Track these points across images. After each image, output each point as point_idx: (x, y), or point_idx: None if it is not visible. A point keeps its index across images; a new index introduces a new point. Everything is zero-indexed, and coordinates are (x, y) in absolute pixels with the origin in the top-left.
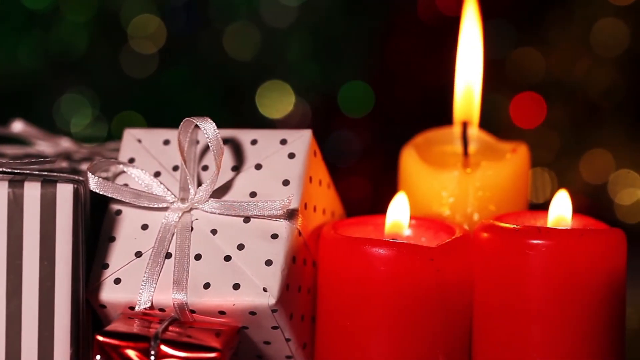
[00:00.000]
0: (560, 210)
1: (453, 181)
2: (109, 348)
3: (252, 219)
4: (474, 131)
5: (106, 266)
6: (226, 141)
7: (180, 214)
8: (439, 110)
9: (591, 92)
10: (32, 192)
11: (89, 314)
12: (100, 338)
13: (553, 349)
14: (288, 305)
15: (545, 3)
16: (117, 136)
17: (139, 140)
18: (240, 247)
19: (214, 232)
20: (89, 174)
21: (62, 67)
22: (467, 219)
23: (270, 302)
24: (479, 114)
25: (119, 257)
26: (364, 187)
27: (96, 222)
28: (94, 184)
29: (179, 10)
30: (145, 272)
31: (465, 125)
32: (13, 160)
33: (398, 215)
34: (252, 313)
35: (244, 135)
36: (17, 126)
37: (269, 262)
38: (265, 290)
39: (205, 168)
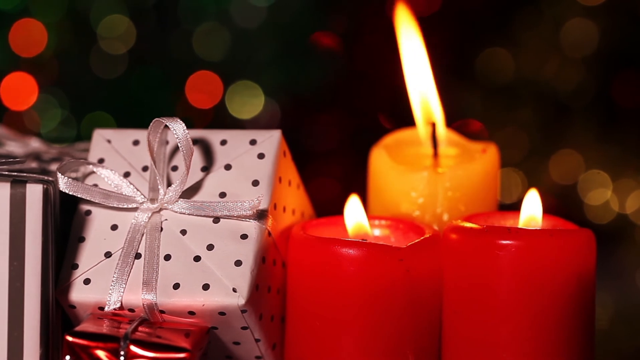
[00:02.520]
0: (531, 210)
1: (422, 181)
2: (79, 348)
3: (221, 220)
4: (443, 132)
5: (76, 266)
6: (196, 141)
7: (149, 215)
8: (408, 111)
9: (561, 92)
10: (1, 192)
11: (59, 314)
12: (69, 338)
13: (522, 349)
14: (257, 305)
15: (514, 3)
16: (86, 136)
17: (109, 141)
18: (210, 247)
19: (183, 232)
20: (59, 175)
21: (32, 67)
22: (437, 219)
23: (240, 302)
24: (444, 116)
25: (88, 257)
26: (333, 188)
27: (66, 223)
28: (64, 184)
29: (148, 10)
30: (115, 272)
31: (434, 125)
32: None
33: (356, 217)
34: (222, 313)
35: (214, 136)
36: None
37: (238, 263)
38: (234, 290)
39: (174, 168)
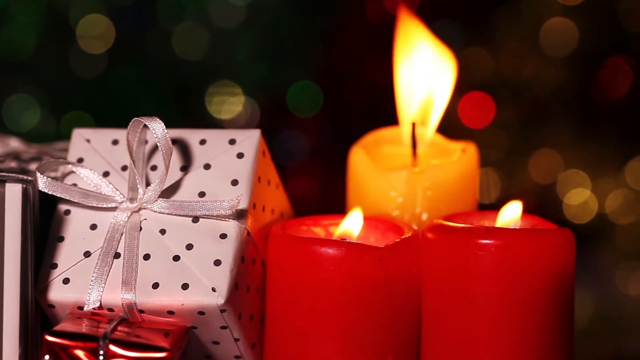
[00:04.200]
0: (511, 214)
1: (402, 181)
2: (58, 348)
3: (201, 219)
4: (422, 131)
5: (55, 266)
6: (175, 141)
7: (129, 214)
8: (387, 110)
9: (540, 91)
10: None
11: (38, 314)
12: (49, 338)
13: (501, 348)
14: (237, 305)
15: (493, 2)
16: (65, 136)
17: (88, 140)
18: (189, 247)
19: (162, 232)
20: (38, 174)
21: (11, 66)
22: (416, 219)
23: (219, 302)
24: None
25: (67, 257)
26: (312, 187)
27: (45, 222)
28: (43, 183)
29: (127, 10)
30: (94, 272)
31: (414, 125)
32: None
33: (350, 225)
34: (201, 313)
35: (193, 135)
36: None
37: (217, 262)
38: (214, 290)
39: (154, 168)
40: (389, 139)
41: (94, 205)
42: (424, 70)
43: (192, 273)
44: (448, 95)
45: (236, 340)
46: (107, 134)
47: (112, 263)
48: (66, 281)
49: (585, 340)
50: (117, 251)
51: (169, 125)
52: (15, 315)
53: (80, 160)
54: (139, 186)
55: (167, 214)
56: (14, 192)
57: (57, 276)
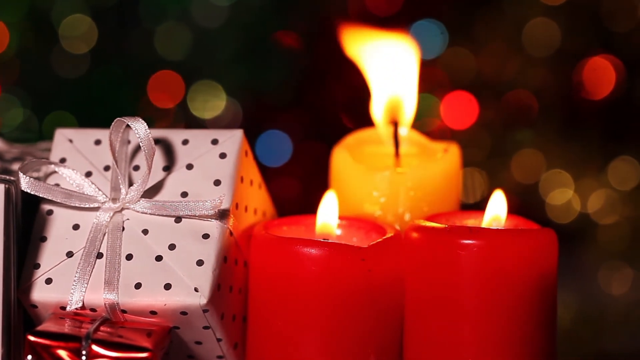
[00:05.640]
0: (496, 210)
1: (384, 181)
2: (40, 348)
3: (183, 219)
4: (405, 131)
5: (37, 266)
6: (157, 141)
7: (111, 214)
8: (369, 111)
9: (522, 91)
10: None
11: (20, 314)
12: (31, 338)
13: (484, 348)
14: (219, 305)
15: (475, 3)
16: (48, 136)
17: (70, 140)
18: (172, 247)
19: (145, 232)
20: (21, 174)
21: None
22: (399, 219)
23: (202, 302)
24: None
25: (50, 257)
26: (295, 187)
27: (27, 222)
28: (26, 184)
29: (109, 10)
30: (77, 272)
31: (396, 125)
32: None
33: (327, 216)
34: (184, 313)
35: (175, 135)
36: None
37: (200, 262)
38: (196, 290)
39: (136, 168)
40: (372, 139)
41: (77, 205)
42: (382, 71)
43: (175, 273)
44: (415, 89)
45: (219, 340)
46: (89, 134)
47: (95, 263)
48: (49, 281)
49: (568, 339)
50: (100, 251)
51: (151, 125)
52: None
53: (62, 161)
54: (121, 186)
55: (150, 214)
56: None
57: (39, 276)
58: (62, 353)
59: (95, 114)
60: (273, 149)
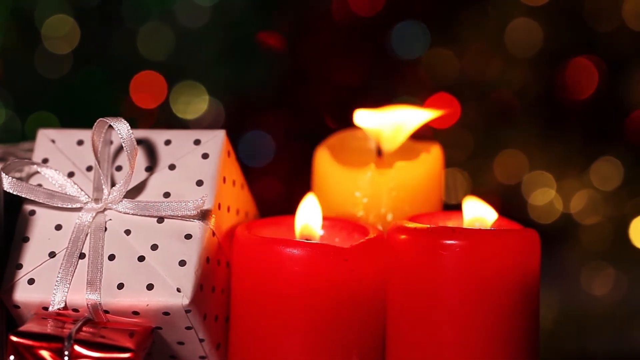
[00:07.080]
0: (475, 212)
1: (367, 181)
2: (23, 348)
3: (165, 220)
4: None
5: (20, 266)
6: (140, 141)
7: (93, 214)
8: (352, 111)
9: (505, 92)
10: None
11: (3, 314)
12: (13, 338)
13: (467, 349)
14: (202, 305)
15: (458, 3)
16: (31, 136)
17: (53, 141)
18: (154, 247)
19: (127, 232)
20: (3, 175)
21: None
22: (381, 220)
23: (184, 302)
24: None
25: (32, 257)
26: (277, 188)
27: (10, 223)
28: (8, 184)
29: (92, 10)
30: (59, 272)
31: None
32: None
33: (308, 218)
34: (166, 313)
35: (158, 136)
36: None
37: (182, 263)
38: (178, 290)
39: (119, 168)
40: (354, 139)
41: (59, 205)
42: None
43: (157, 273)
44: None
45: (201, 340)
46: (72, 135)
47: (77, 263)
48: (31, 281)
49: (551, 340)
50: (82, 251)
51: (133, 125)
52: None
53: (45, 161)
54: (104, 186)
55: (132, 214)
56: None
57: (22, 276)
58: (44, 353)
59: (77, 115)
60: (256, 150)
